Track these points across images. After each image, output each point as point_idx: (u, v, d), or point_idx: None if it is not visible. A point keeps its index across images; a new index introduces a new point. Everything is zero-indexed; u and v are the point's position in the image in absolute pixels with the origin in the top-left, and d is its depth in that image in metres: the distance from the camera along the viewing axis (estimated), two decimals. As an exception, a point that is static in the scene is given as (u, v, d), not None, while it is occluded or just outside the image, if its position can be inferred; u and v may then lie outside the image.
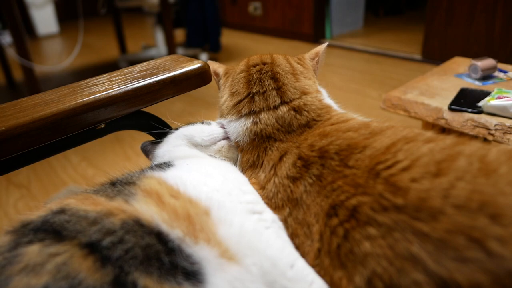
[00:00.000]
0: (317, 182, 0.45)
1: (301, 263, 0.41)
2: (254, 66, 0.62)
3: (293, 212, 0.46)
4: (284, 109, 0.56)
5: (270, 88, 0.58)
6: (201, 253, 0.37)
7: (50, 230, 0.35)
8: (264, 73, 0.60)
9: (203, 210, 0.42)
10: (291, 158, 0.50)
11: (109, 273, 0.31)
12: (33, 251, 0.32)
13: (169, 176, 0.46)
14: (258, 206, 0.47)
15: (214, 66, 0.69)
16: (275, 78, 0.59)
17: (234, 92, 0.61)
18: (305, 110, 0.55)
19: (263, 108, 0.57)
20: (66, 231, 0.34)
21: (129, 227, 0.36)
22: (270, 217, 0.46)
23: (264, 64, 0.61)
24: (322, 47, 0.68)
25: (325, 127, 0.52)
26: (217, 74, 0.68)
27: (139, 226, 0.36)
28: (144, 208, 0.39)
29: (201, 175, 0.49)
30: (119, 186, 0.44)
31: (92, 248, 0.33)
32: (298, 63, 0.64)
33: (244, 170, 0.56)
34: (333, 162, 0.46)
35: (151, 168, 0.50)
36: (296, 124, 0.54)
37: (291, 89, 0.58)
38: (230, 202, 0.44)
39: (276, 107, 0.56)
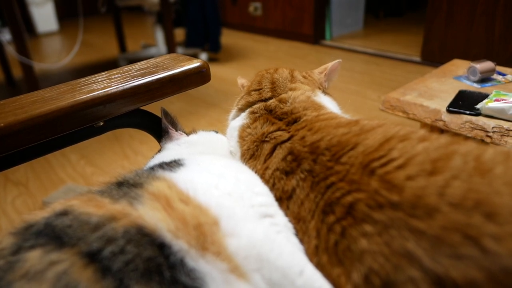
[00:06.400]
0: (309, 177, 0.46)
1: (310, 269, 0.40)
2: (259, 75, 0.70)
3: (289, 206, 0.47)
4: (272, 100, 0.62)
5: (265, 87, 0.65)
6: (205, 267, 0.37)
7: (51, 235, 0.34)
8: (265, 78, 0.68)
9: (213, 220, 0.41)
10: (281, 153, 0.51)
11: (109, 285, 0.31)
12: (34, 257, 0.32)
13: (180, 178, 0.45)
14: (271, 209, 0.46)
15: (242, 80, 0.77)
16: (272, 82, 0.66)
17: (241, 94, 0.70)
18: (288, 101, 0.60)
19: (257, 101, 0.64)
20: (67, 237, 0.34)
21: (131, 235, 0.35)
22: (282, 220, 0.45)
23: (267, 73, 0.70)
24: (333, 64, 0.71)
25: (314, 123, 0.53)
26: (243, 87, 0.75)
27: (141, 235, 0.35)
28: (149, 214, 0.38)
29: (212, 177, 0.48)
30: (126, 187, 0.42)
31: (92, 258, 0.33)
32: (303, 76, 0.70)
33: (246, 161, 0.57)
34: (324, 157, 0.46)
35: (161, 167, 0.49)
36: (279, 112, 0.58)
37: (282, 87, 0.64)
38: (241, 208, 0.44)
39: (266, 100, 0.63)
